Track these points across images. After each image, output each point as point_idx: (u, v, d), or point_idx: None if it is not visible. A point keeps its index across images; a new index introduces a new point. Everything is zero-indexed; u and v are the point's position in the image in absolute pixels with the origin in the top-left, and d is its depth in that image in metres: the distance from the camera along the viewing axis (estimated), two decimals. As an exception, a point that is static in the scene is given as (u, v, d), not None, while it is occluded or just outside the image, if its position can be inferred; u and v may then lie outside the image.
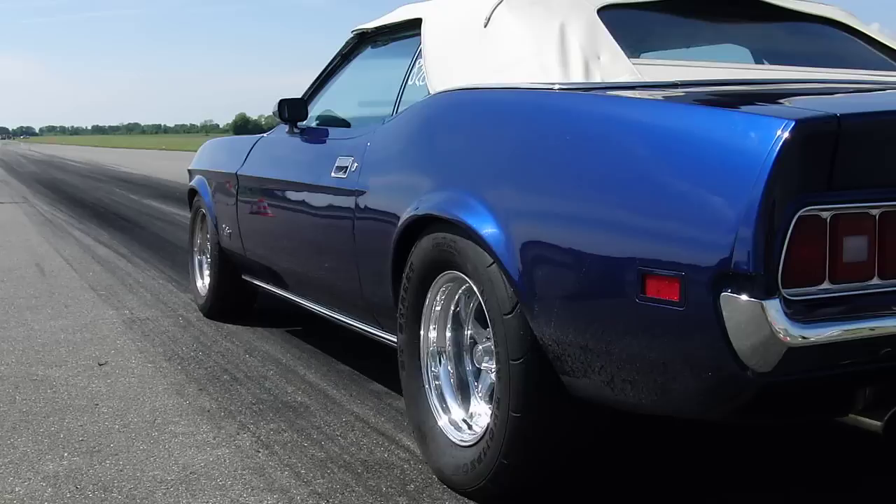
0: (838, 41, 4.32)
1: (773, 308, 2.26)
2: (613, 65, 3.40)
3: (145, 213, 15.96)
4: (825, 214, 2.32)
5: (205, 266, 7.06)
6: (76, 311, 7.22)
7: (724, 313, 2.31)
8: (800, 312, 2.31)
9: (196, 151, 7.61)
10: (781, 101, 2.97)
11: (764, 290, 2.27)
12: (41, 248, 11.15)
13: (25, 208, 17.82)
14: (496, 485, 3.23)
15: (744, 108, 2.75)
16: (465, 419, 3.58)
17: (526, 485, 3.32)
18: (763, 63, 4.16)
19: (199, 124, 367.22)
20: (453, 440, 3.51)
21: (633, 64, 3.42)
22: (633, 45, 3.68)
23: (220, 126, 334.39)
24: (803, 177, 2.30)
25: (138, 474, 3.74)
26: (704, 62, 3.89)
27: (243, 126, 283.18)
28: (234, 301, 6.77)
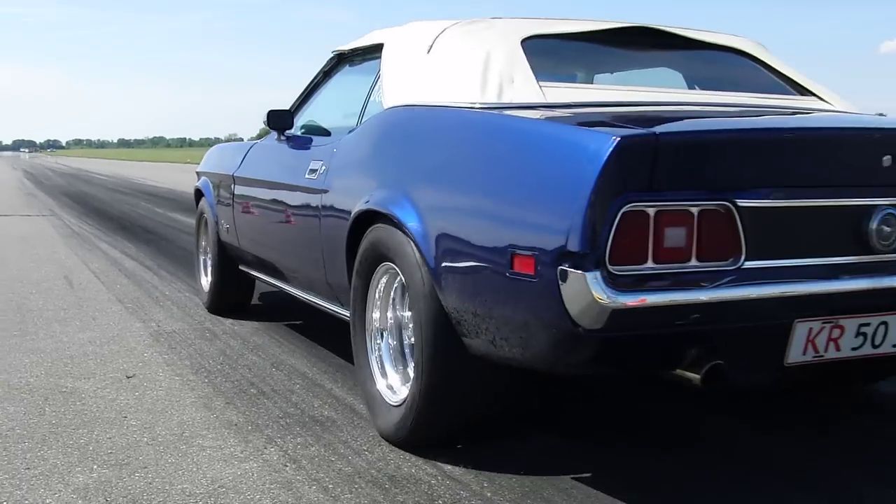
0: (741, 68, 5.03)
1: (594, 279, 2.91)
2: (524, 87, 4.06)
3: (171, 227, 16.05)
4: (650, 210, 2.97)
5: (208, 264, 7.74)
6: (104, 324, 7.26)
7: (560, 283, 2.99)
8: (625, 284, 2.95)
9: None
10: (630, 120, 3.55)
11: (591, 266, 2.92)
12: (69, 261, 11.23)
13: (53, 221, 17.94)
14: (418, 437, 4.07)
15: (590, 126, 3.36)
16: (399, 384, 4.31)
17: (442, 435, 4.13)
18: (659, 87, 4.79)
19: (223, 137, 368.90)
20: (389, 401, 4.29)
21: (541, 86, 4.08)
22: (549, 69, 4.45)
23: (245, 140, 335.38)
24: (626, 181, 2.95)
25: (167, 487, 3.76)
26: (606, 86, 4.80)
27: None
28: (233, 293, 7.54)
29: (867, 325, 3.40)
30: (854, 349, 3.43)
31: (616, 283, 2.95)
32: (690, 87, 4.93)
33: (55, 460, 4.11)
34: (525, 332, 3.32)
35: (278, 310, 7.78)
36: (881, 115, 4.59)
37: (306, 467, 3.98)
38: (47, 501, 3.63)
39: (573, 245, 2.96)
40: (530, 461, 4.04)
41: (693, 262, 3.08)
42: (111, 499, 3.65)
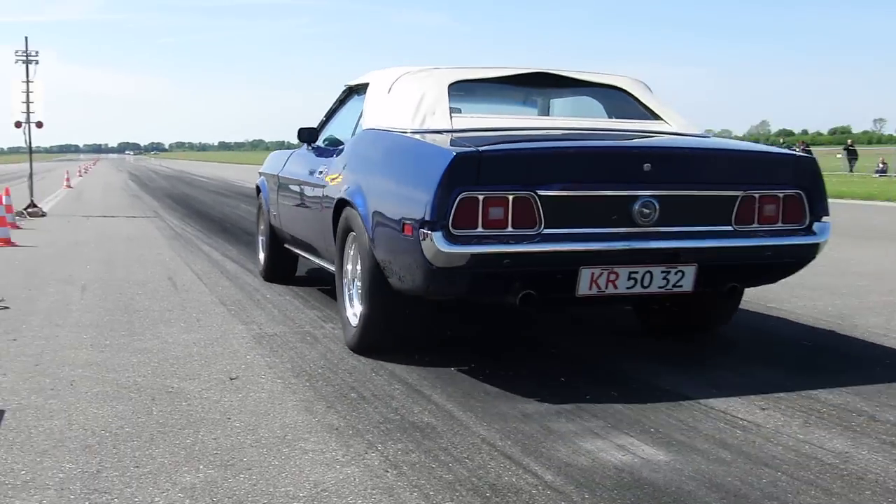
0: (612, 101, 6.92)
1: (439, 237, 4.90)
2: (440, 118, 6.10)
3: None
4: (479, 196, 4.96)
5: (264, 244, 9.81)
6: (207, 325, 7.41)
7: (422, 240, 4.95)
8: (461, 240, 4.94)
9: None
10: (482, 141, 5.38)
11: (438, 229, 4.91)
12: (173, 263, 11.47)
13: (157, 223, 18.36)
14: (363, 345, 6.24)
15: (451, 145, 5.34)
16: (358, 312, 6.29)
17: (377, 345, 6.21)
18: (534, 116, 7.47)
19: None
20: (351, 324, 6.40)
21: (451, 117, 6.11)
22: (463, 104, 6.72)
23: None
24: (460, 178, 4.94)
25: (271, 489, 3.82)
26: (504, 115, 7.11)
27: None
28: (280, 266, 9.57)
29: (636, 272, 5.28)
30: (628, 288, 5.32)
31: (455, 240, 4.96)
32: (563, 115, 7.31)
33: (163, 459, 4.21)
34: (410, 271, 5.34)
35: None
36: (709, 131, 7.09)
37: (407, 473, 4.01)
38: (156, 500, 3.72)
39: (428, 216, 4.99)
40: (626, 469, 4.02)
41: (509, 229, 5.06)
42: (217, 499, 3.72)
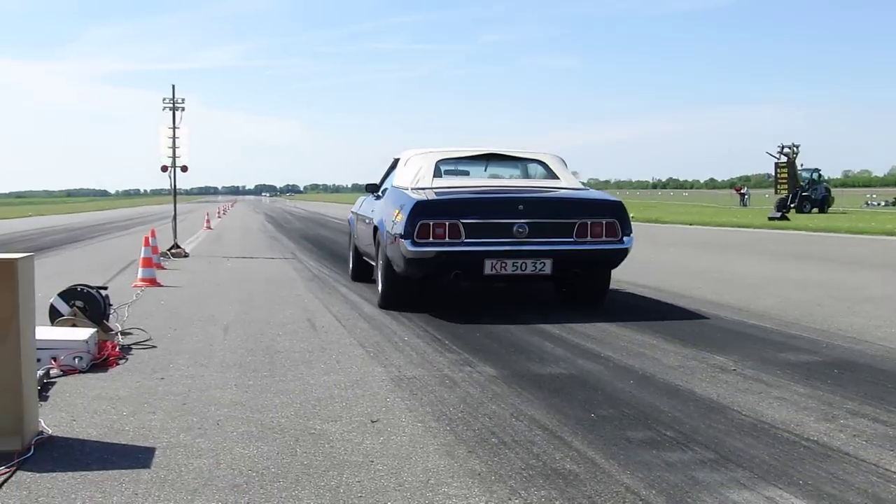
0: (532, 167, 12.14)
1: (408, 243, 9.94)
2: (426, 180, 11.12)
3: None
4: (430, 222, 9.99)
5: (351, 256, 15.05)
6: (347, 367, 7.50)
7: (402, 244, 9.95)
8: (420, 244, 9.89)
9: None
10: (440, 192, 10.76)
11: (407, 238, 9.92)
12: (311, 304, 11.67)
13: (294, 264, 18.70)
14: (384, 305, 11.07)
15: (419, 193, 10.54)
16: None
17: (394, 306, 10.95)
18: (484, 179, 12.47)
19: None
20: (380, 292, 11.31)
21: (433, 180, 11.16)
22: (442, 172, 11.70)
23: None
24: (420, 214, 9.99)
25: (416, 534, 3.82)
26: (463, 177, 12.38)
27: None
28: (360, 270, 14.31)
29: (516, 262, 10.00)
30: (512, 271, 10.08)
31: (416, 244, 9.82)
32: (497, 177, 12.06)
33: (309, 501, 4.26)
34: (398, 261, 10.21)
35: (514, 356, 7.85)
36: (585, 183, 13.04)
37: (551, 521, 3.98)
38: (303, 542, 3.75)
39: (404, 233, 9.88)
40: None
41: (446, 239, 9.93)
42: (363, 543, 3.74)
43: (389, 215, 10.65)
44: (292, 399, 6.35)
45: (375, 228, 11.50)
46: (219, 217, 56.65)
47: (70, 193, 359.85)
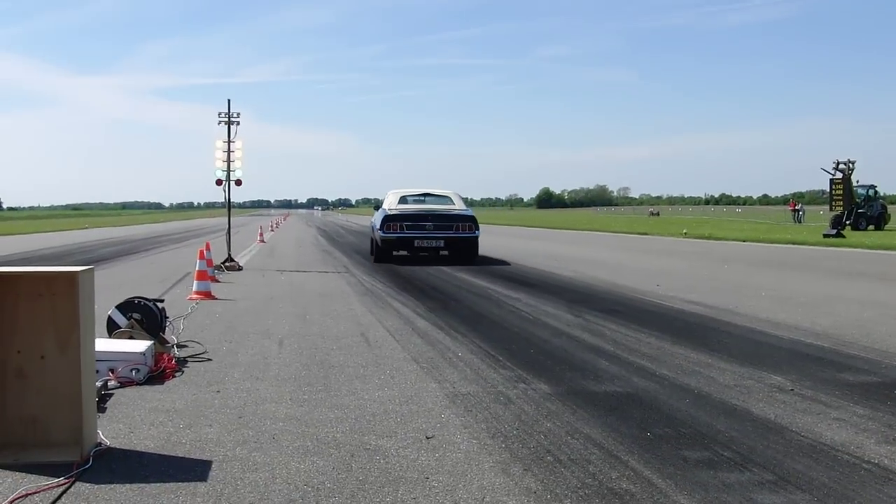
0: (445, 198, 26.30)
1: (382, 231, 24.12)
2: (394, 205, 24.90)
3: (459, 287, 16.46)
4: (391, 223, 24.03)
5: (371, 248, 27.18)
6: (401, 382, 7.51)
7: (380, 232, 24.16)
8: (387, 233, 23.87)
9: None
10: (396, 211, 24.76)
11: (381, 230, 24.05)
12: (365, 319, 11.71)
13: (347, 278, 18.79)
14: (376, 261, 24.63)
15: (387, 211, 24.72)
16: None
17: (379, 261, 24.39)
18: (427, 205, 26.25)
19: (503, 198, 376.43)
20: (372, 256, 26.27)
21: (397, 204, 24.99)
22: (403, 200, 25.66)
23: (525, 200, 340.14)
24: (387, 220, 24.06)
25: (473, 553, 3.81)
26: (412, 204, 25.59)
27: (547, 200, 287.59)
28: (379, 255, 24.44)
29: (428, 242, 23.82)
30: (427, 245, 23.95)
31: (385, 233, 23.85)
32: (426, 204, 25.84)
33: (365, 518, 4.26)
34: (378, 240, 24.53)
35: (569, 373, 7.82)
36: (469, 205, 29.09)
37: (608, 542, 3.95)
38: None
39: (380, 227, 24.09)
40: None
41: (398, 231, 23.84)
42: (419, 560, 3.73)
43: (376, 220, 25.24)
44: (347, 414, 6.37)
45: (373, 226, 26.44)
46: (272, 230, 57.09)
47: (125, 206, 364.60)
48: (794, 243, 34.24)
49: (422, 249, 23.61)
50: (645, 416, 6.35)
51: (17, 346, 5.43)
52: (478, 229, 23.79)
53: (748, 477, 4.95)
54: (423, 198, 25.94)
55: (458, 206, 25.03)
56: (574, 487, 4.74)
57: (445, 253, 23.91)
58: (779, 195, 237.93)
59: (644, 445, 5.57)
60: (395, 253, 23.94)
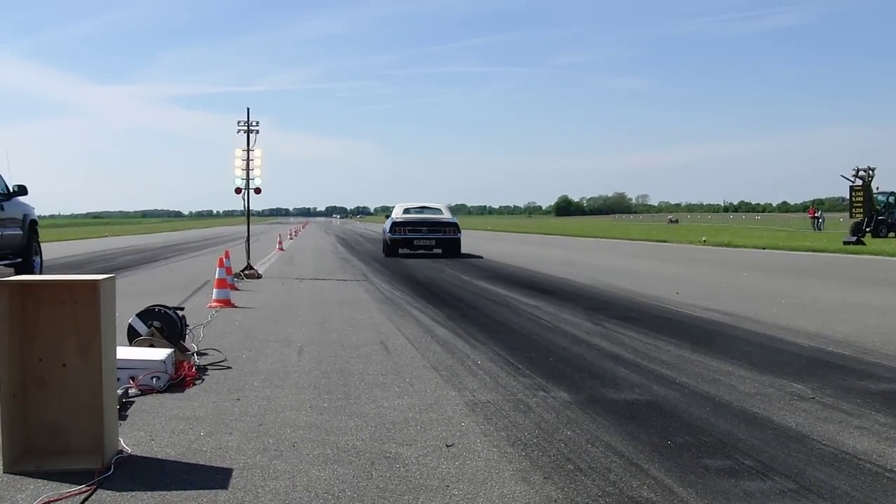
0: (438, 210, 35.68)
1: (390, 234, 33.18)
2: (399, 214, 33.94)
3: (478, 294, 16.46)
4: (397, 228, 33.12)
5: (383, 246, 35.66)
6: (421, 391, 7.51)
7: (389, 234, 33.64)
8: (393, 235, 32.61)
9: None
10: (404, 214, 34.35)
11: (390, 233, 33.03)
12: (384, 327, 11.72)
13: (366, 286, 18.81)
14: (385, 256, 33.14)
15: (397, 217, 33.68)
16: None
17: (387, 255, 32.96)
18: (424, 213, 35.84)
19: (522, 206, 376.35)
20: (383, 252, 34.65)
21: (402, 214, 34.16)
22: (406, 211, 34.80)
23: (543, 208, 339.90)
24: (394, 225, 33.00)
25: (493, 561, 3.81)
26: (413, 213, 34.81)
27: (565, 208, 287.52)
28: (388, 251, 33.19)
29: (424, 242, 32.56)
30: (424, 244, 32.53)
31: (392, 235, 32.62)
32: (423, 214, 35.35)
33: (385, 526, 4.26)
34: (387, 240, 33.50)
35: (588, 381, 7.81)
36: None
37: (630, 550, 3.94)
38: (381, 566, 3.76)
39: (389, 230, 33.08)
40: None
41: (402, 234, 32.46)
42: (440, 568, 3.73)
43: (387, 226, 34.06)
44: (367, 422, 6.37)
45: (384, 230, 35.04)
46: (290, 238, 57.21)
47: (145, 214, 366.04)
48: (813, 250, 34.10)
49: (420, 247, 32.53)
50: (665, 424, 6.34)
51: (39, 354, 5.46)
52: (460, 232, 33.50)
53: (769, 485, 4.93)
54: (420, 209, 34.98)
55: (447, 216, 34.88)
56: (594, 496, 4.73)
57: (438, 250, 32.62)
58: (798, 202, 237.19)
59: (664, 454, 5.55)
60: (400, 250, 32.51)
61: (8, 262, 19.20)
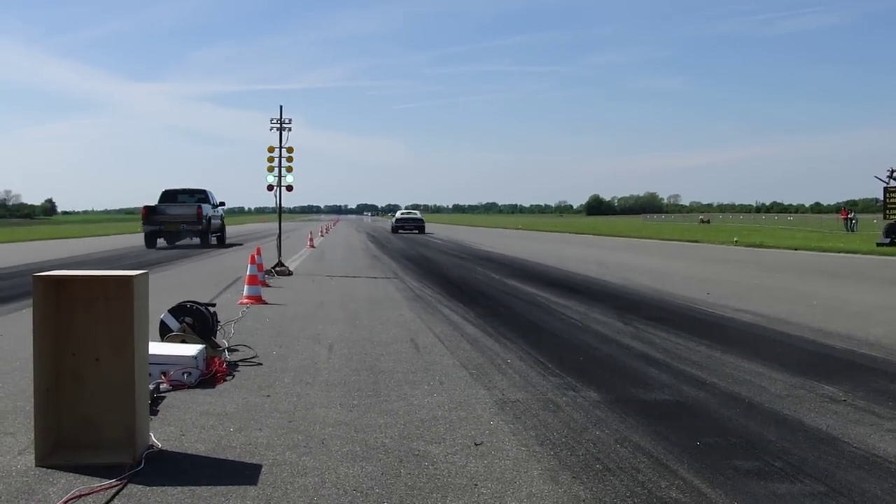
0: (416, 213, 79.07)
1: (392, 224, 79.19)
2: (398, 215, 75.98)
3: (508, 293, 16.44)
4: (398, 222, 73.17)
5: (391, 228, 74.11)
6: (450, 389, 7.52)
7: (392, 225, 75.98)
8: (395, 226, 71.13)
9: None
10: (397, 217, 75.64)
11: (394, 223, 74.22)
12: (414, 324, 11.74)
13: (397, 284, 18.83)
14: (392, 233, 67.92)
15: (396, 216, 76.92)
16: None
17: (394, 232, 67.90)
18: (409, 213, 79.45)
19: (553, 205, 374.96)
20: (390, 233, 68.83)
21: (398, 215, 76.29)
22: (399, 214, 78.83)
23: (574, 207, 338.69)
24: (395, 223, 72.38)
25: (521, 560, 3.81)
26: (405, 213, 78.86)
27: (596, 207, 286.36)
28: (393, 231, 69.76)
29: (409, 228, 68.80)
30: (408, 232, 67.53)
31: (394, 225, 71.12)
32: (408, 215, 75.62)
33: (413, 523, 4.27)
34: (391, 228, 72.25)
35: (618, 380, 7.79)
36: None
37: (658, 551, 3.93)
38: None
39: (394, 223, 72.06)
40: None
41: (398, 224, 70.97)
42: (468, 567, 3.74)
43: (391, 221, 77.83)
44: (396, 420, 6.39)
45: (392, 223, 74.26)
46: (321, 236, 57.37)
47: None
48: (846, 252, 33.83)
49: (406, 230, 64.50)
50: (695, 424, 6.32)
51: (73, 349, 5.51)
52: (423, 223, 69.04)
53: (799, 488, 4.90)
54: (406, 213, 71.62)
55: (418, 215, 70.65)
56: (623, 496, 4.73)
57: (415, 231, 65.84)
58: (831, 203, 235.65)
59: (694, 454, 5.54)
60: (396, 232, 64.67)
61: (216, 236, 40.97)
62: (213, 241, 39.84)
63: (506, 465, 5.30)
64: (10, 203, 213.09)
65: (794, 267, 25.40)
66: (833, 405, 7.02)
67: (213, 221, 38.82)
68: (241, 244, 41.50)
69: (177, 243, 38.85)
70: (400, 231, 67.64)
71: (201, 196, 39.52)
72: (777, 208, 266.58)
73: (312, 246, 39.28)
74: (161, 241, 38.12)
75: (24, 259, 27.75)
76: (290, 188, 22.45)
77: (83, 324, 5.50)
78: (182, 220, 37.12)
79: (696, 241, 46.90)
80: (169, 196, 39.54)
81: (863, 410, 6.84)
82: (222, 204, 41.86)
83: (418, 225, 68.84)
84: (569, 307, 13.91)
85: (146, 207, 37.60)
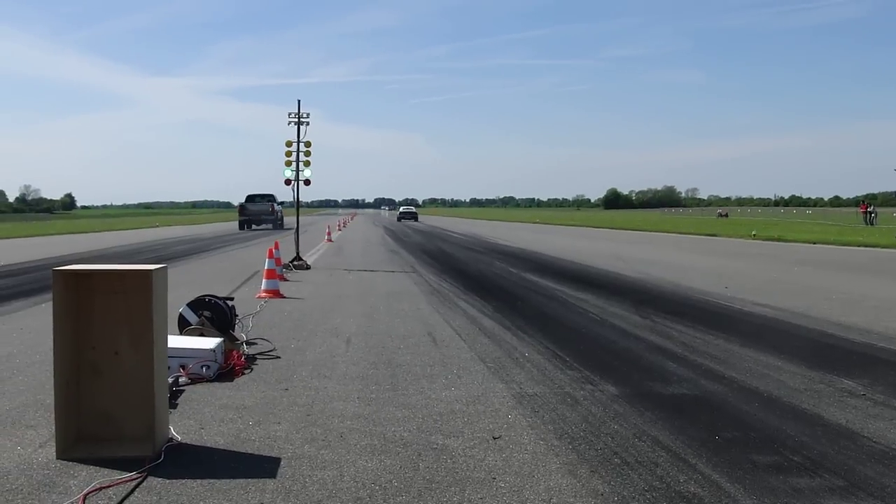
0: (412, 207, 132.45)
1: (397, 216, 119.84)
2: (400, 208, 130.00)
3: (526, 287, 16.43)
4: (401, 214, 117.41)
5: (396, 217, 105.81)
6: (468, 382, 7.52)
7: (397, 216, 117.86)
8: (399, 217, 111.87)
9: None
10: (400, 210, 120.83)
11: (398, 215, 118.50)
12: (431, 318, 11.74)
13: (415, 278, 18.83)
14: (398, 220, 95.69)
15: (399, 209, 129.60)
16: None
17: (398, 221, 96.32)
18: (409, 207, 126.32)
19: (570, 198, 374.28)
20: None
21: (401, 208, 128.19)
22: (401, 207, 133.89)
23: (592, 200, 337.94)
24: (399, 214, 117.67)
25: (539, 553, 3.82)
26: (406, 207, 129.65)
27: (614, 201, 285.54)
28: (398, 220, 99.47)
29: (407, 218, 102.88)
30: (408, 221, 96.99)
31: (399, 217, 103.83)
32: (407, 207, 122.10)
33: (432, 516, 4.28)
34: (396, 219, 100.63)
35: (636, 374, 7.78)
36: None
37: (676, 545, 3.93)
38: (427, 557, 3.78)
39: (399, 215, 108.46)
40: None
41: (402, 215, 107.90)
42: (486, 560, 3.74)
43: (396, 211, 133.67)
44: (414, 413, 6.40)
45: (397, 216, 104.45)
46: (339, 230, 57.48)
47: (195, 205, 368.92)
48: (865, 245, 33.65)
49: (405, 219, 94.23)
50: (713, 418, 6.30)
51: (92, 343, 5.54)
52: (417, 214, 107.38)
53: (818, 483, 4.89)
54: (406, 208, 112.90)
55: (414, 210, 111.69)
56: (641, 490, 4.72)
57: (412, 220, 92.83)
58: (850, 197, 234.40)
59: (712, 448, 5.53)
60: (399, 220, 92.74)
61: (278, 224, 59.31)
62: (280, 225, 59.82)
63: (524, 458, 5.31)
64: (30, 198, 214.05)
65: (813, 261, 25.29)
66: (852, 399, 7.00)
67: (278, 213, 59.38)
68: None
69: (254, 228, 58.98)
70: (402, 220, 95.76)
71: (271, 198, 60.14)
72: (796, 202, 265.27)
73: (330, 240, 39.31)
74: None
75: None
76: (307, 182, 22.45)
77: (103, 317, 5.53)
78: (262, 213, 59.34)
79: (715, 235, 46.76)
80: (251, 198, 60.85)
81: (882, 405, 6.82)
82: (282, 203, 59.82)
83: (413, 215, 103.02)
84: (586, 301, 13.90)
85: (241, 205, 61.27)
